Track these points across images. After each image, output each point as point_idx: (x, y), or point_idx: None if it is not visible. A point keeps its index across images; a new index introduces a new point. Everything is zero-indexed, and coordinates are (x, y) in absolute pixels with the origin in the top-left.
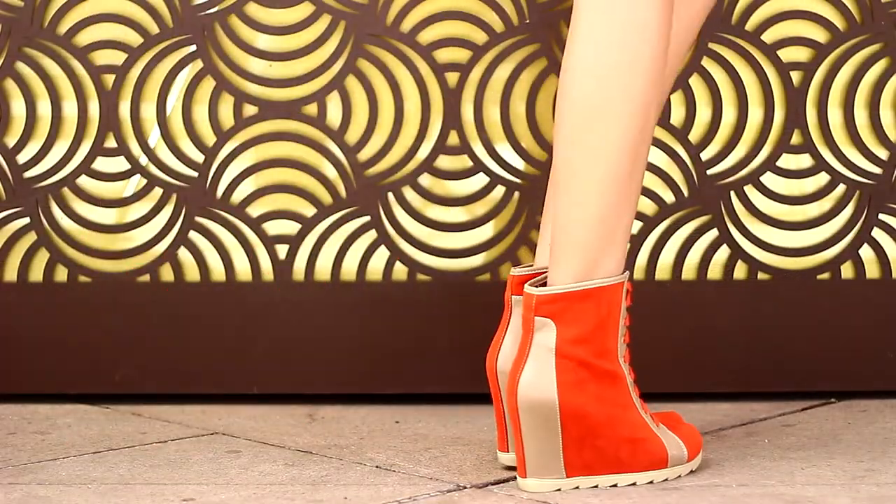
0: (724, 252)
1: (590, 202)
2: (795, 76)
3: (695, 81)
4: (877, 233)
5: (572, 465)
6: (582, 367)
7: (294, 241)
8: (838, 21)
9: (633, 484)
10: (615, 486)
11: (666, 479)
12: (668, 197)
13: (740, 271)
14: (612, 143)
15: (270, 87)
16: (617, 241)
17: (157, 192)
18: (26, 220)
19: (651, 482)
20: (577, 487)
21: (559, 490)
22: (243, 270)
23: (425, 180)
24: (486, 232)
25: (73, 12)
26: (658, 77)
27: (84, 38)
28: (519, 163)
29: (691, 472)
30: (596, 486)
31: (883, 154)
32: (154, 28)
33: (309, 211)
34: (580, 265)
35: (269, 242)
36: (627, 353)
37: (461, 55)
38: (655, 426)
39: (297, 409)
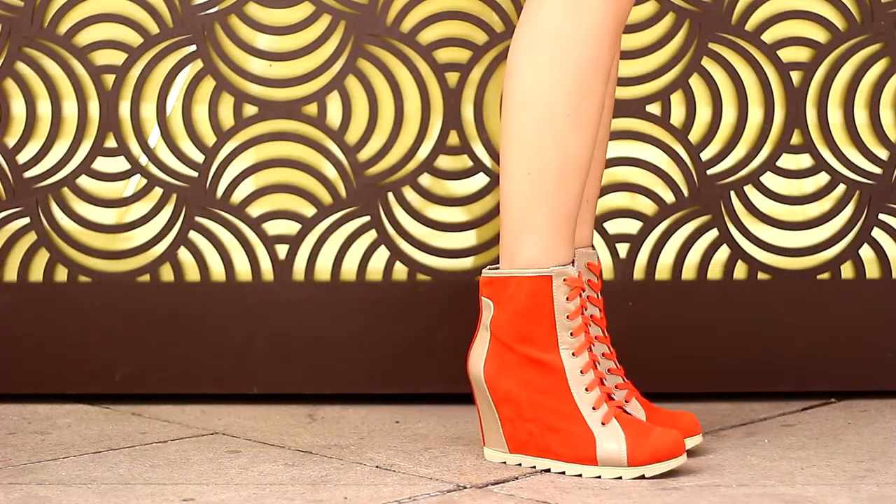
0: (724, 252)
1: (504, 192)
2: (795, 76)
3: (695, 81)
4: (877, 233)
5: (512, 442)
6: (507, 350)
7: (294, 241)
8: (838, 21)
9: (563, 473)
10: (548, 470)
11: (599, 477)
12: (668, 197)
13: (740, 271)
14: (512, 137)
15: (270, 87)
16: (528, 233)
17: (157, 192)
18: (26, 220)
19: (580, 475)
20: (520, 464)
21: (505, 462)
22: (243, 270)
23: (425, 180)
24: (487, 232)
25: (73, 12)
26: (569, 79)
27: (84, 38)
28: None
29: (648, 476)
30: (534, 467)
31: (883, 154)
32: (154, 28)
33: (309, 211)
34: (505, 251)
35: (269, 242)
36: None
37: (461, 55)
38: (599, 423)
39: (297, 409)
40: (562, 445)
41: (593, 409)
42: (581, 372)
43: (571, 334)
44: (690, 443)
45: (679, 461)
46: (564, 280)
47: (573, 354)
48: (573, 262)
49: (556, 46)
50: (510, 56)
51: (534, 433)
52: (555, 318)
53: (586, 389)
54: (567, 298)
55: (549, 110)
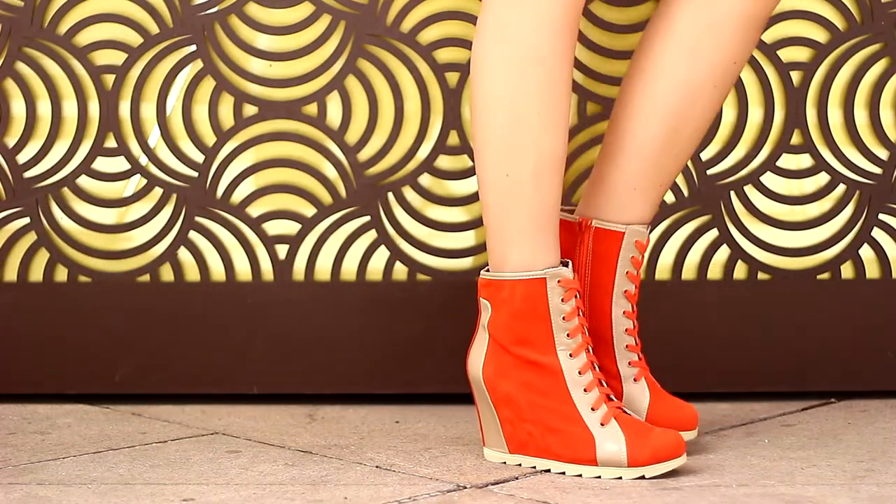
0: (724, 252)
1: (484, 196)
2: (795, 76)
3: None
4: (877, 233)
5: (512, 442)
6: (505, 352)
7: (294, 241)
8: (838, 21)
9: (563, 473)
10: (548, 470)
11: (599, 477)
12: (668, 197)
13: (740, 271)
14: (484, 139)
15: (270, 87)
16: (514, 236)
17: (157, 192)
18: (26, 220)
19: (580, 475)
20: (520, 464)
21: (505, 462)
22: (243, 270)
23: (425, 180)
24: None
25: (73, 12)
26: (535, 73)
27: (84, 38)
28: None
29: (649, 477)
30: (534, 467)
31: (883, 154)
32: (154, 28)
33: (309, 211)
34: (493, 255)
35: (269, 242)
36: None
37: (461, 55)
38: (599, 424)
39: (297, 409)
40: (561, 446)
41: (592, 409)
42: (579, 373)
43: (568, 335)
44: (685, 437)
45: (679, 461)
46: (559, 282)
47: (570, 356)
48: (568, 263)
49: (513, 43)
50: (472, 58)
51: (533, 434)
52: (551, 321)
53: (585, 390)
54: (562, 300)
55: (517, 108)
